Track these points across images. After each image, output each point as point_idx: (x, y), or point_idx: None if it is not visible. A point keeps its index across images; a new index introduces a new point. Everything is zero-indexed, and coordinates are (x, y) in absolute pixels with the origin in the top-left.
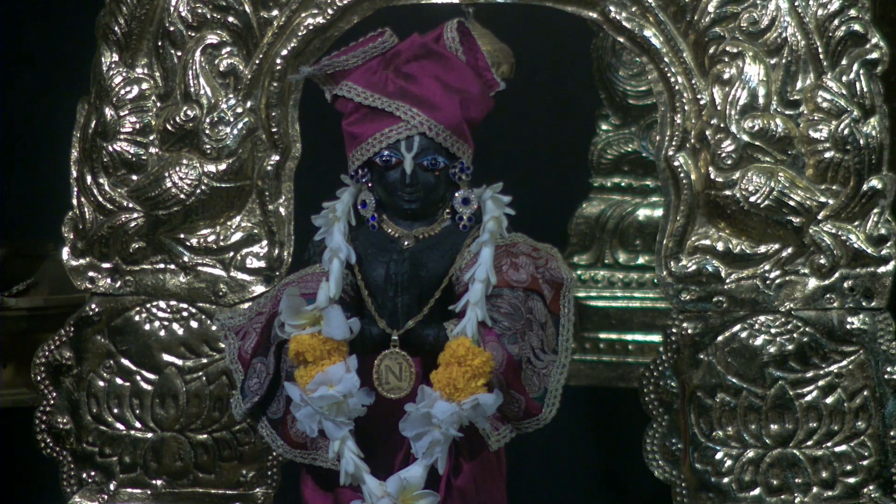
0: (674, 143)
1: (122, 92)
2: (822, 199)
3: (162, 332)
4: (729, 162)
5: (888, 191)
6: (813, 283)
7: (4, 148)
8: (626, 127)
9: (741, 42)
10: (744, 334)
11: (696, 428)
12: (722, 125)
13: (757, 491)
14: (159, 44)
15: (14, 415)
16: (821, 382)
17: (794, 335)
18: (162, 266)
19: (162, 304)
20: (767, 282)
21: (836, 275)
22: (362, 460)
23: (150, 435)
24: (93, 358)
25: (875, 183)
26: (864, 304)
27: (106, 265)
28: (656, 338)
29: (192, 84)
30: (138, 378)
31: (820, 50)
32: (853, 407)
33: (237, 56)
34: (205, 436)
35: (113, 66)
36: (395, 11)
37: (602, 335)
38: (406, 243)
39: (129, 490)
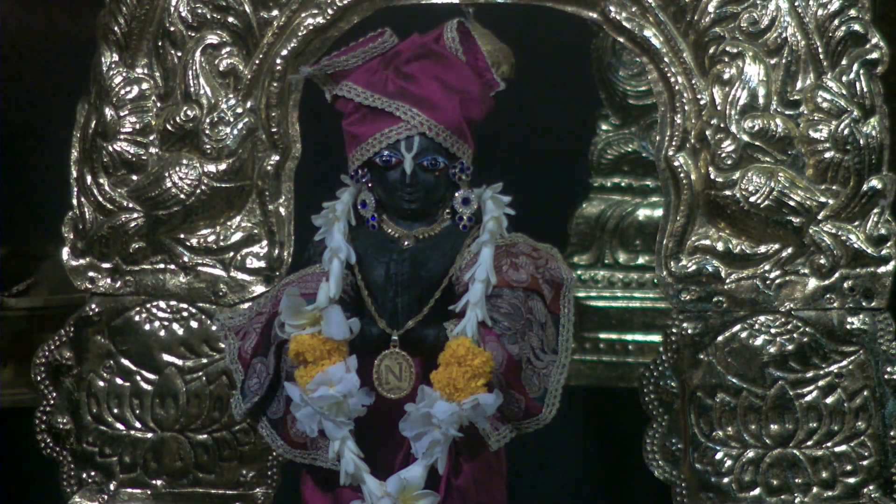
0: (674, 143)
1: (122, 92)
2: (822, 199)
3: (162, 332)
4: (729, 162)
5: (888, 191)
6: (813, 283)
7: (4, 148)
8: (626, 127)
9: (741, 42)
10: (744, 334)
11: (696, 428)
12: (722, 125)
13: (757, 491)
14: (159, 44)
15: (14, 415)
16: (821, 382)
17: (794, 335)
18: (162, 266)
19: (162, 304)
20: (767, 282)
21: (836, 275)
22: (362, 460)
23: (150, 435)
24: (93, 358)
25: (875, 183)
26: (864, 304)
27: (106, 265)
28: (656, 338)
29: (192, 84)
30: (138, 378)
31: (820, 50)
32: (853, 407)
33: (237, 56)
34: (205, 436)
35: (113, 66)
36: (395, 11)
37: (602, 335)
38: (406, 243)
39: (129, 490)
